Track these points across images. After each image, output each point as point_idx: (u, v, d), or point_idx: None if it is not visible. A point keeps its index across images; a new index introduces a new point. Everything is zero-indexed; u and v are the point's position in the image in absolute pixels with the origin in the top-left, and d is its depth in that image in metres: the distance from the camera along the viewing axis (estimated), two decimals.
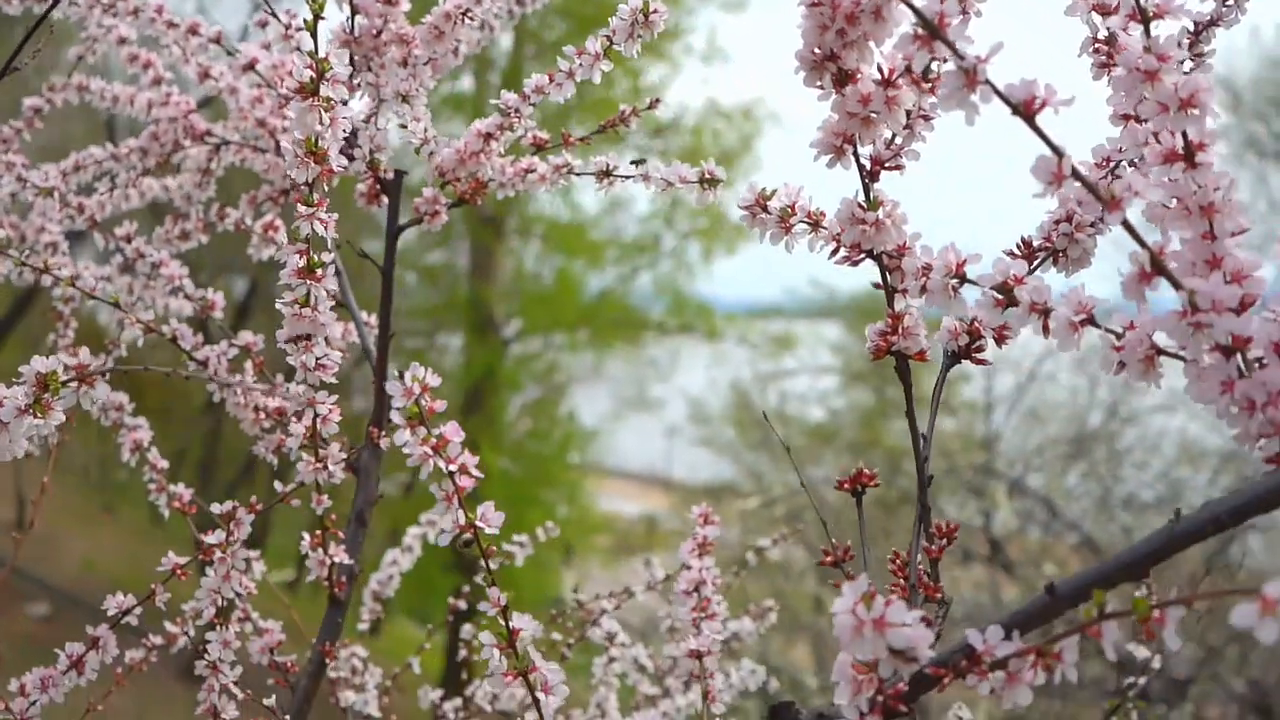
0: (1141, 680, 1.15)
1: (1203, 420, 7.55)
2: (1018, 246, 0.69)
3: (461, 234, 11.97)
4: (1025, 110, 0.51)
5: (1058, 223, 0.69)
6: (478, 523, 0.63)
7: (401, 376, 0.61)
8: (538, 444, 11.97)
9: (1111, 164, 0.69)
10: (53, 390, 0.66)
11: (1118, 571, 0.51)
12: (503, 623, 0.65)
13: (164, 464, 1.10)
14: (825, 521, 0.79)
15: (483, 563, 0.65)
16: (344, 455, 0.92)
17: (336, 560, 0.98)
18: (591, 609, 1.34)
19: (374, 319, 1.10)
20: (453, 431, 0.63)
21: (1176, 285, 0.51)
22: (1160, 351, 0.55)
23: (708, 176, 0.83)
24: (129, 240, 1.12)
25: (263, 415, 1.02)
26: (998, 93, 0.51)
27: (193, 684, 0.99)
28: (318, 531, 0.97)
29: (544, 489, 11.23)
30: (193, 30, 1.11)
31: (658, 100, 1.04)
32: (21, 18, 1.19)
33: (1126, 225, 0.52)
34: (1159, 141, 0.55)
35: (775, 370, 9.44)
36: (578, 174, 0.99)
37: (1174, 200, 0.55)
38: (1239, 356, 0.52)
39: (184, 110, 1.20)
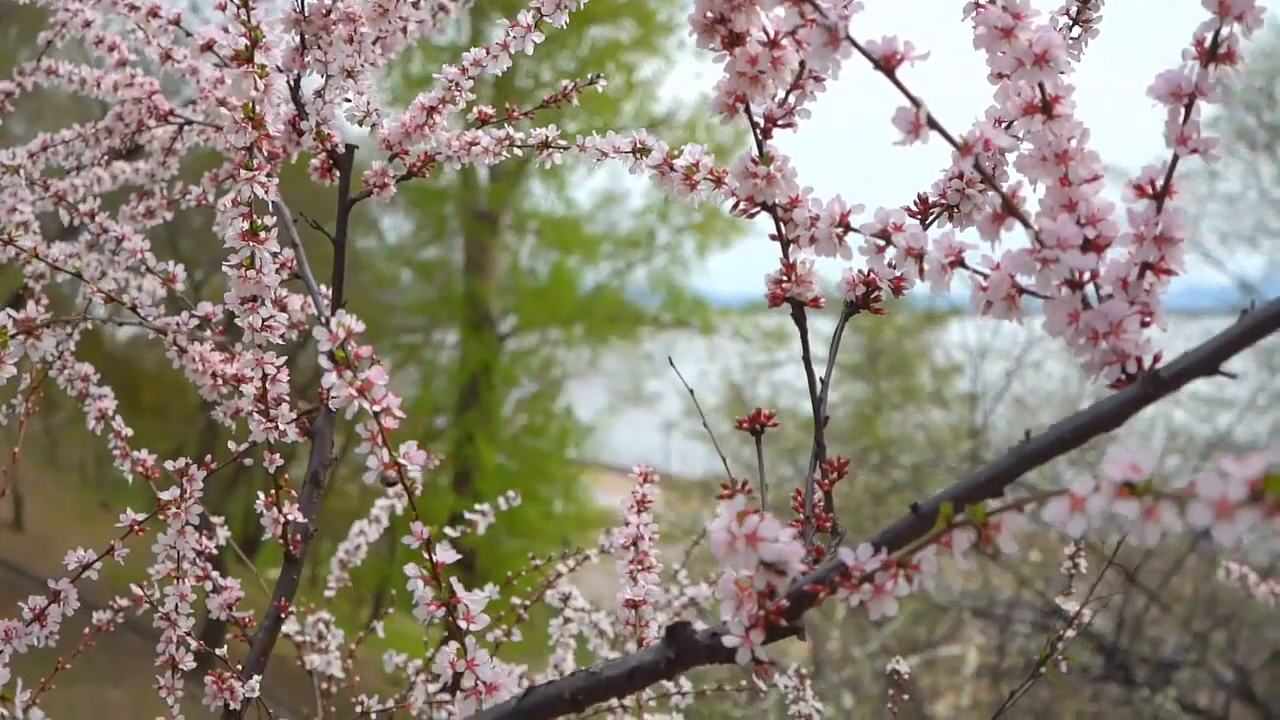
0: (1070, 633, 1.19)
1: (1186, 408, 7.60)
2: (914, 202, 0.74)
3: (456, 230, 12.02)
4: (886, 64, 0.55)
5: (951, 179, 0.73)
6: (400, 460, 0.67)
7: (328, 323, 0.65)
8: (534, 439, 12.01)
9: (1004, 124, 0.73)
10: (1, 344, 0.70)
11: (975, 489, 0.55)
12: (426, 556, 0.69)
13: (128, 431, 1.14)
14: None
15: (408, 501, 0.69)
16: (294, 415, 0.96)
17: (291, 519, 1.02)
18: (547, 572, 1.38)
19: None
20: (377, 375, 0.67)
21: (1026, 224, 0.56)
22: (1021, 290, 0.59)
23: (639, 146, 0.87)
24: (93, 216, 1.16)
25: (220, 381, 1.06)
26: (859, 48, 0.55)
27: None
28: (272, 491, 1.01)
29: (541, 484, 11.27)
30: (153, 13, 1.14)
31: (599, 76, 1.07)
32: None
33: (978, 168, 0.56)
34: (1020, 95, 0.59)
35: (767, 361, 9.47)
36: (519, 146, 1.03)
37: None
38: (1085, 290, 0.56)
39: (148, 91, 1.24)
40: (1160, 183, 0.57)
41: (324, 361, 0.66)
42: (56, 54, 1.35)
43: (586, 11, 1.06)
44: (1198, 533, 0.40)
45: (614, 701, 1.26)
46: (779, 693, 1.30)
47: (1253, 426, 8.07)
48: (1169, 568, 6.26)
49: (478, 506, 1.45)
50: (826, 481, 0.68)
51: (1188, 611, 6.12)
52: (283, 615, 1.04)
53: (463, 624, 0.69)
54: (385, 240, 12.09)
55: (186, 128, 1.25)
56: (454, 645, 0.69)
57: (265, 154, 0.78)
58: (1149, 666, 5.78)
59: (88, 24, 1.25)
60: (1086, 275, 0.55)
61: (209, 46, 1.08)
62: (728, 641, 0.59)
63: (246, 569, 1.30)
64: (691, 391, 0.95)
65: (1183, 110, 0.56)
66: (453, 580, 0.69)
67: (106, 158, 1.25)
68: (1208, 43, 0.56)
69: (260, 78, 0.74)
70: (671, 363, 0.99)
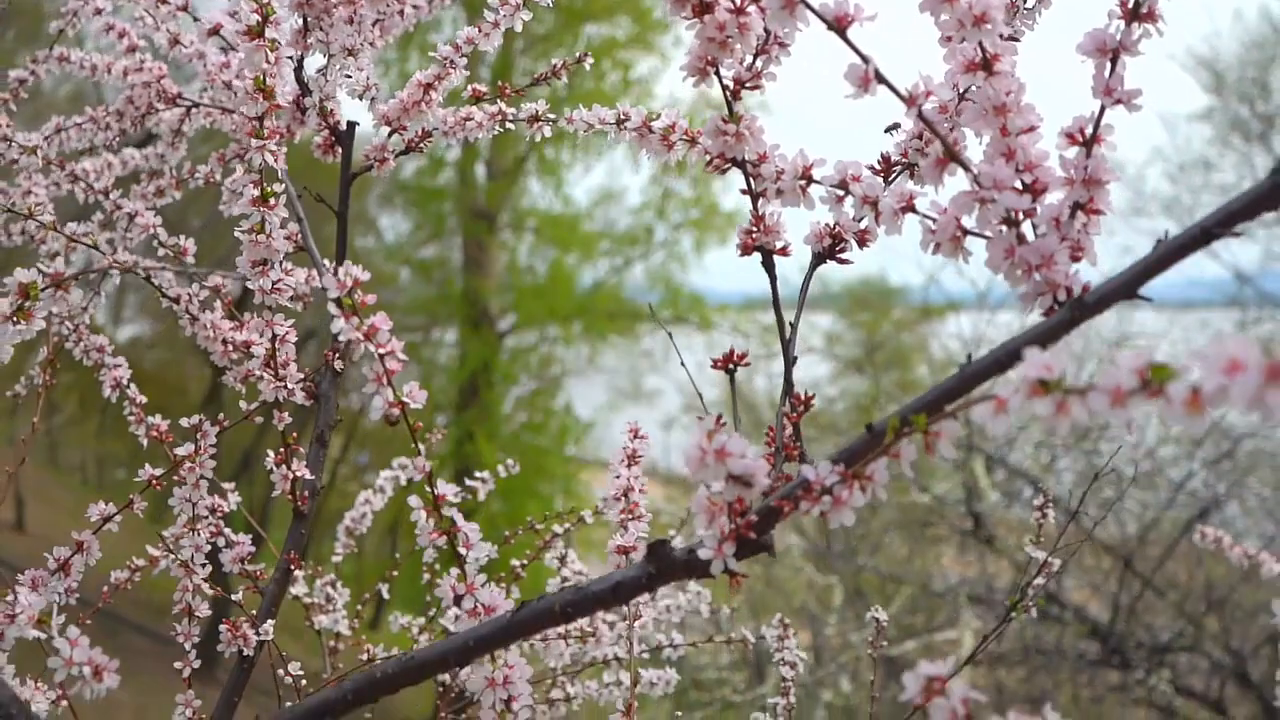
0: (1040, 580, 1.25)
1: None
2: (878, 161, 0.79)
3: (454, 229, 12.07)
4: (838, 25, 0.61)
5: (911, 139, 0.79)
6: (404, 398, 0.73)
7: (336, 273, 0.71)
8: (534, 436, 12.06)
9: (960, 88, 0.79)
10: (33, 296, 0.76)
11: (923, 407, 0.61)
12: (429, 488, 0.75)
13: (143, 399, 1.20)
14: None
15: (413, 442, 0.75)
16: (302, 375, 1.02)
17: (299, 475, 1.08)
18: (545, 533, 1.44)
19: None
20: (382, 320, 0.73)
21: (966, 168, 0.61)
22: (965, 231, 0.65)
23: (621, 117, 0.93)
24: (107, 194, 1.22)
25: (230, 348, 1.12)
26: (814, 11, 0.61)
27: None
28: (281, 449, 1.07)
29: (541, 481, 11.32)
30: (161, 0, 1.20)
31: (586, 55, 1.13)
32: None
33: (921, 118, 0.62)
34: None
35: (765, 354, 9.53)
36: (511, 121, 1.09)
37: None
38: (1021, 229, 0.62)
39: (157, 75, 1.30)
40: (1089, 131, 0.63)
41: (333, 308, 0.72)
42: (68, 40, 1.41)
43: (582, 9, 1.12)
44: (1191, 518, 0.45)
45: (610, 655, 1.32)
46: (777, 673, 1.35)
47: (1250, 416, 8.10)
48: (1162, 554, 6.33)
49: (478, 474, 1.51)
50: (794, 415, 0.74)
51: (1181, 597, 6.18)
52: (292, 567, 1.09)
53: (462, 551, 0.75)
54: (384, 239, 12.15)
55: (194, 110, 1.31)
56: (455, 571, 0.75)
57: (275, 121, 0.84)
58: (1144, 651, 5.84)
59: (98, 11, 1.30)
60: (1021, 214, 0.61)
61: (215, 30, 1.14)
62: (703, 554, 0.65)
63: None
64: (698, 390, 1.00)
65: (1108, 64, 0.62)
66: (453, 512, 0.75)
67: (117, 142, 1.31)
68: (1130, 3, 0.62)
69: (270, 51, 0.79)
70: (679, 355, 1.04)
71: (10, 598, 0.76)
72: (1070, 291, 0.60)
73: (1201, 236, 0.55)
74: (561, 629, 1.23)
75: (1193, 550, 6.02)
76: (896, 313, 11.87)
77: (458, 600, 0.74)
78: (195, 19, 1.19)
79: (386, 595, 1.48)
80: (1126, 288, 0.57)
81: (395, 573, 1.56)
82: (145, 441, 1.17)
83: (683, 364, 1.05)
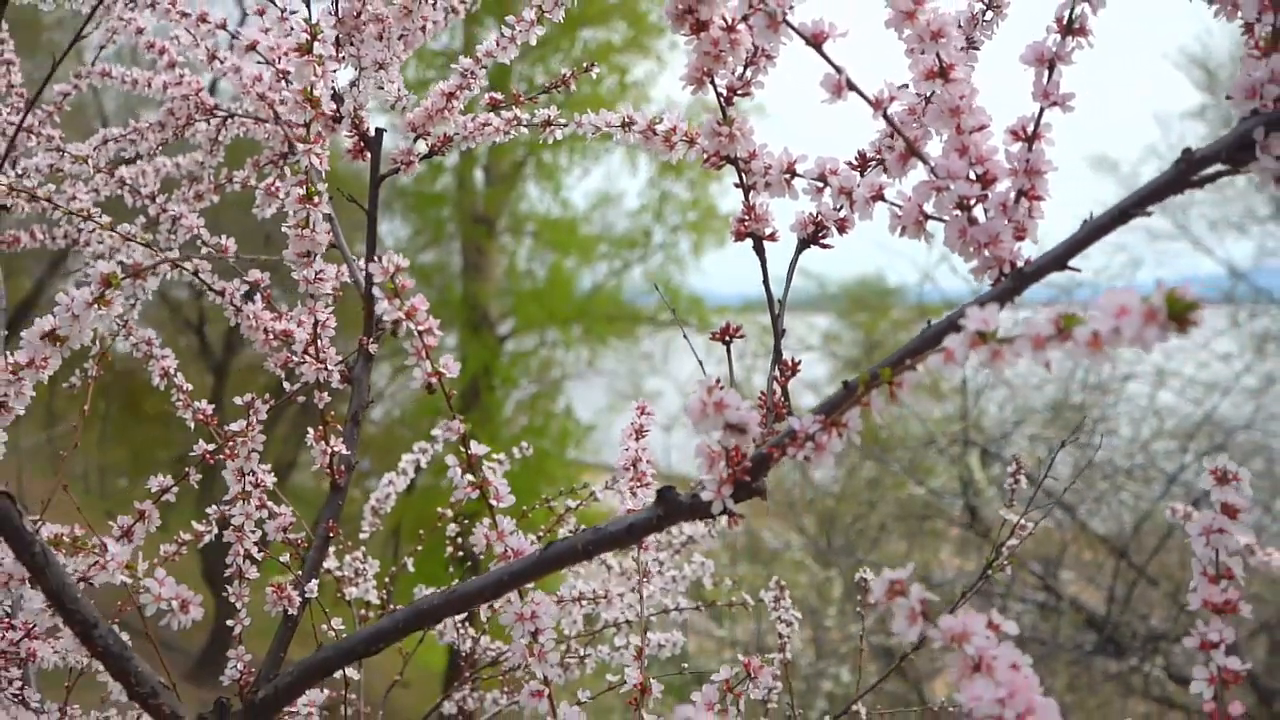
0: (1013, 541, 1.36)
1: (1172, 390, 7.76)
2: (855, 157, 0.90)
3: (453, 234, 12.18)
4: (815, 40, 0.72)
5: (882, 138, 0.89)
6: (440, 369, 0.84)
7: (380, 259, 0.82)
8: (535, 440, 12.16)
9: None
10: (114, 285, 0.87)
11: (887, 364, 0.71)
12: (463, 449, 0.86)
13: (189, 386, 1.30)
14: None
15: (446, 404, 0.86)
16: (340, 359, 1.13)
17: (336, 451, 1.19)
18: (558, 509, 1.55)
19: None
20: (420, 301, 0.84)
21: (924, 161, 0.72)
22: (926, 215, 0.76)
23: (627, 120, 1.04)
24: (153, 198, 1.32)
25: (271, 336, 1.23)
26: (793, 29, 0.72)
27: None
28: (320, 427, 1.18)
29: (543, 484, 11.42)
30: (202, 19, 1.31)
31: (593, 64, 1.24)
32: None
33: (886, 119, 0.72)
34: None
35: (764, 353, 9.62)
36: (525, 125, 1.20)
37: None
38: (973, 213, 0.72)
39: (195, 89, 1.41)
40: (1031, 129, 0.74)
41: (377, 291, 0.83)
42: (109, 56, 1.52)
43: (578, 14, 1.23)
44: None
45: (621, 618, 1.43)
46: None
47: (1244, 409, 8.20)
48: (1156, 545, 6.43)
49: (494, 456, 1.61)
50: (783, 378, 0.84)
51: (1175, 587, 6.28)
52: (331, 535, 1.20)
53: (493, 503, 0.86)
54: (383, 245, 12.25)
55: (229, 120, 1.42)
56: (487, 521, 0.86)
57: (313, 134, 0.95)
58: (1139, 640, 5.94)
59: (140, 30, 1.41)
60: (973, 200, 0.72)
61: (253, 46, 1.25)
62: (705, 496, 0.75)
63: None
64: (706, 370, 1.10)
65: (1046, 71, 0.73)
66: (484, 465, 0.86)
67: (159, 150, 1.42)
68: (1065, 19, 0.73)
69: (318, 65, 0.90)
70: (693, 348, 1.14)
71: (99, 547, 0.87)
72: (1014, 265, 0.71)
73: (1119, 216, 0.66)
74: (576, 593, 1.34)
75: (1186, 541, 6.10)
76: (894, 313, 11.97)
77: (489, 548, 0.85)
78: (233, 36, 1.29)
79: (411, 568, 1.58)
80: (1058, 261, 0.68)
81: (420, 548, 1.67)
82: (193, 424, 1.28)
83: (694, 351, 1.15)
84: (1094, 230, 0.67)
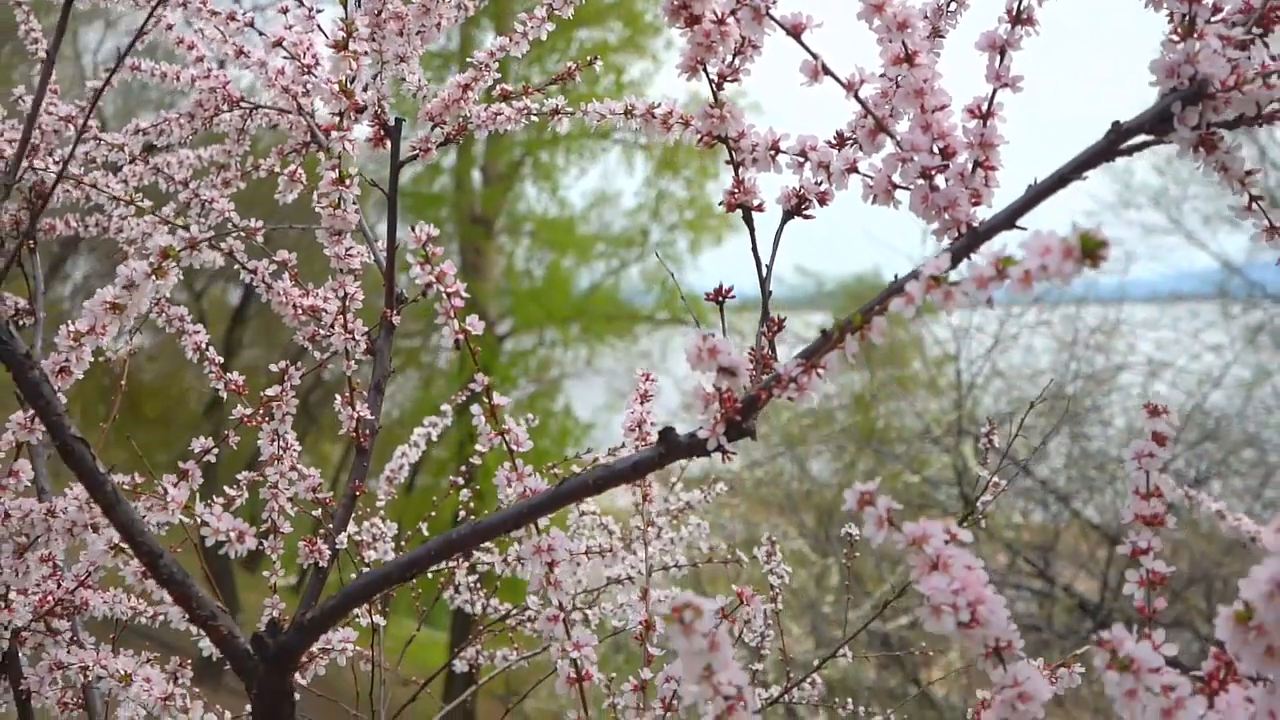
0: (987, 497, 1.46)
1: (1164, 381, 7.87)
2: (834, 135, 1.00)
3: (451, 234, 12.27)
4: (794, 31, 0.82)
5: (857, 118, 0.99)
6: (467, 327, 0.94)
7: (412, 228, 0.92)
8: (534, 439, 12.22)
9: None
10: (171, 257, 0.96)
11: (859, 313, 0.81)
12: (487, 400, 0.96)
13: (220, 359, 1.40)
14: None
15: (471, 358, 0.96)
16: (367, 329, 1.23)
17: (362, 416, 1.29)
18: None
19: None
20: (449, 267, 0.94)
21: (891, 136, 0.82)
22: (894, 185, 0.86)
23: (629, 108, 1.14)
24: (186, 184, 1.42)
25: (299, 311, 1.33)
26: (775, 21, 0.82)
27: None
28: (347, 393, 1.28)
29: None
30: (231, 17, 1.41)
31: (595, 58, 1.34)
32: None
33: (858, 99, 0.83)
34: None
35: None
36: (534, 115, 1.30)
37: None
38: (935, 181, 0.83)
39: (222, 82, 1.51)
40: (985, 108, 0.84)
41: (410, 258, 0.93)
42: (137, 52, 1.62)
43: (574, 14, 1.32)
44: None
45: (622, 574, 1.53)
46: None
47: (1235, 400, 8.31)
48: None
49: (478, 448, 1.71)
50: (770, 333, 0.94)
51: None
52: (356, 494, 1.30)
53: (514, 447, 0.96)
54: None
55: (254, 112, 1.51)
56: (507, 464, 0.96)
57: (345, 123, 1.05)
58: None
59: (170, 27, 1.51)
60: (935, 171, 0.82)
61: (279, 43, 1.35)
62: (700, 434, 0.85)
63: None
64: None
65: (998, 56, 0.83)
66: (506, 416, 0.96)
67: (189, 140, 1.52)
68: (1015, 10, 0.83)
69: (353, 60, 1.00)
70: (724, 332, 1.24)
71: (161, 490, 0.97)
72: (969, 225, 0.81)
73: (1059, 181, 0.76)
74: (583, 546, 1.44)
75: (1177, 528, 6.22)
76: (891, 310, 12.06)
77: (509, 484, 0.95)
78: (261, 34, 1.39)
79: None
80: (1006, 221, 0.78)
81: (434, 513, 1.77)
82: (225, 394, 1.38)
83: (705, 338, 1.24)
84: (1037, 194, 0.77)
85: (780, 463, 8.48)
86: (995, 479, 1.49)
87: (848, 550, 1.52)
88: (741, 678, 0.69)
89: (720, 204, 0.95)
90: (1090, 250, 0.59)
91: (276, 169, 1.51)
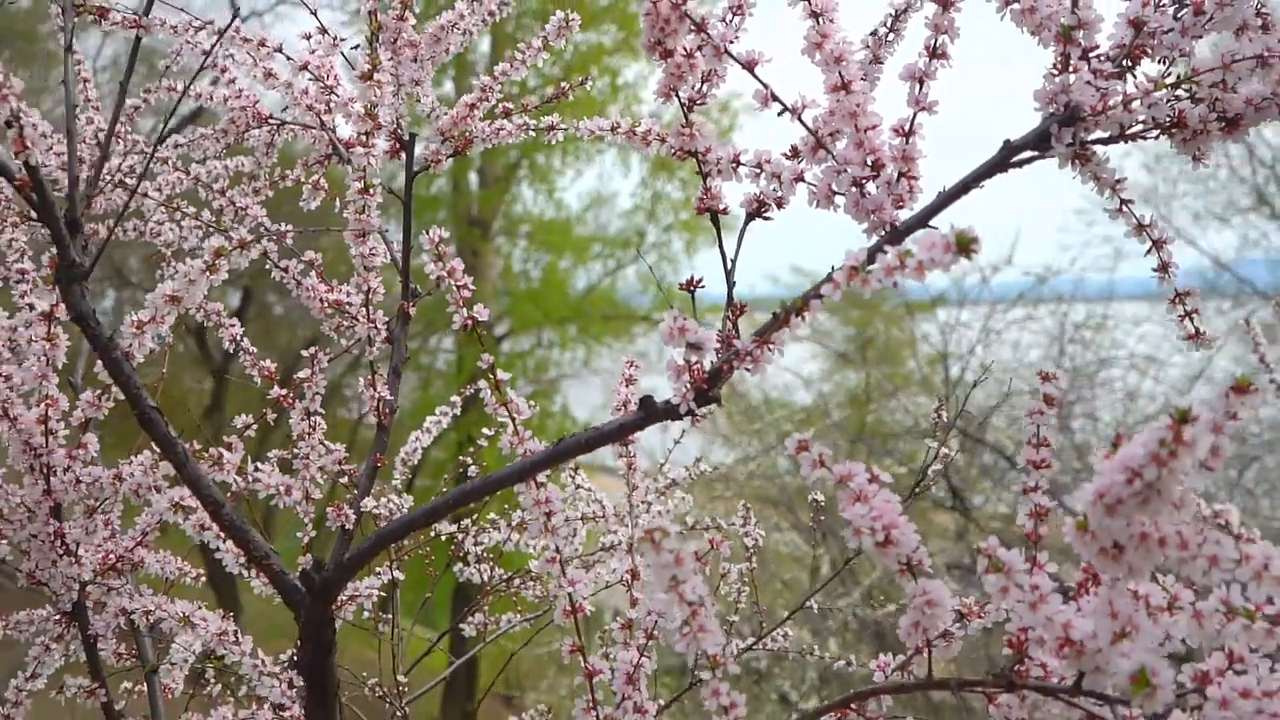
0: (938, 466, 1.63)
1: (1151, 376, 8.05)
2: (789, 150, 1.17)
3: (449, 237, 12.43)
4: (748, 65, 0.99)
5: (805, 137, 1.16)
6: (475, 315, 1.11)
7: (427, 231, 1.09)
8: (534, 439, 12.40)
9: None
10: (224, 255, 1.14)
11: (801, 298, 0.99)
12: (492, 376, 1.13)
13: (254, 350, 1.57)
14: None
15: (481, 345, 1.13)
16: (387, 319, 1.40)
17: (382, 397, 1.46)
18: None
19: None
20: (458, 263, 1.11)
21: (829, 152, 1.00)
22: (834, 191, 1.03)
23: (615, 125, 1.31)
24: (223, 192, 1.59)
25: (325, 304, 1.50)
26: (732, 56, 0.99)
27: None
28: (369, 375, 1.45)
29: None
30: (262, 43, 1.58)
31: (587, 78, 1.52)
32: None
33: (800, 121, 1.00)
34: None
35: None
36: (534, 130, 1.47)
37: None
38: (866, 188, 1.00)
39: (251, 101, 1.68)
40: (907, 128, 1.01)
41: (425, 255, 1.10)
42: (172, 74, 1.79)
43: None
44: None
45: (614, 542, 1.70)
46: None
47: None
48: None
49: (485, 431, 1.89)
50: (734, 316, 1.12)
51: None
52: (378, 465, 1.47)
53: (515, 415, 1.13)
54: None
55: (282, 128, 1.69)
56: (510, 430, 1.13)
57: (370, 141, 1.22)
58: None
59: (206, 53, 1.68)
60: (865, 180, 0.99)
61: (304, 66, 1.52)
62: (674, 400, 1.02)
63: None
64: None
65: (917, 84, 1.00)
66: (509, 390, 1.13)
67: (223, 154, 1.69)
68: (932, 46, 1.00)
69: (378, 88, 1.17)
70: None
71: (216, 455, 1.14)
72: (893, 225, 0.98)
73: (961, 189, 0.94)
74: (579, 512, 1.61)
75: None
76: (884, 308, 12.26)
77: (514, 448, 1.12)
78: (288, 58, 1.56)
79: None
80: (919, 222, 0.95)
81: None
82: (259, 380, 1.55)
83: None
84: (945, 199, 0.94)
85: (773, 456, 8.66)
86: (946, 450, 1.66)
87: (825, 538, 1.68)
88: (703, 589, 0.86)
89: (693, 207, 1.12)
90: (964, 245, 0.76)
91: (301, 179, 1.68)
